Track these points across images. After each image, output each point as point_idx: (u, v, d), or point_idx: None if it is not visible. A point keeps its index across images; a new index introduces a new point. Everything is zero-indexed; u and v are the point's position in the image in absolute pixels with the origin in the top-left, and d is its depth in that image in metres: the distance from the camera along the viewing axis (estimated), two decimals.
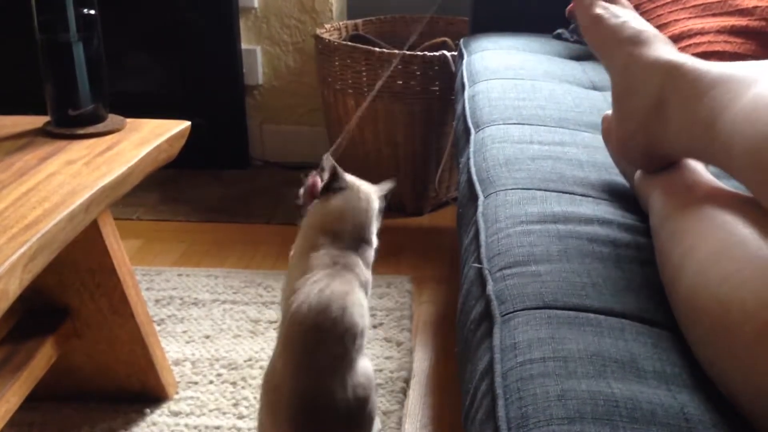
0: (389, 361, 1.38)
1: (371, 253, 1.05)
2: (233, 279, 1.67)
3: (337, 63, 1.95)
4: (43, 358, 1.07)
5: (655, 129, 0.72)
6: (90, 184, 0.93)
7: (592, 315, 0.59)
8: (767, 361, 0.46)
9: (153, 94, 2.31)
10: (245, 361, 1.37)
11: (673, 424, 0.47)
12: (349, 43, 1.95)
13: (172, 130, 1.13)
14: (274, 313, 1.52)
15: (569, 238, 0.71)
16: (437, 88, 1.90)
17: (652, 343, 0.56)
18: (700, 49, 1.24)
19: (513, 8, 1.77)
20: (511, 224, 0.76)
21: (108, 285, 1.14)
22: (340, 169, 1.05)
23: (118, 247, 1.15)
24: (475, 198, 0.88)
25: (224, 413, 1.24)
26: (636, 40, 0.76)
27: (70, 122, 1.11)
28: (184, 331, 1.47)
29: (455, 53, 1.83)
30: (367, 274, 1.03)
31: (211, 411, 1.24)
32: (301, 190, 1.08)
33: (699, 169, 0.72)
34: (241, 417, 1.23)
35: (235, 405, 1.26)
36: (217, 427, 1.21)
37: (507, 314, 0.61)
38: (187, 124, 1.16)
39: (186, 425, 1.21)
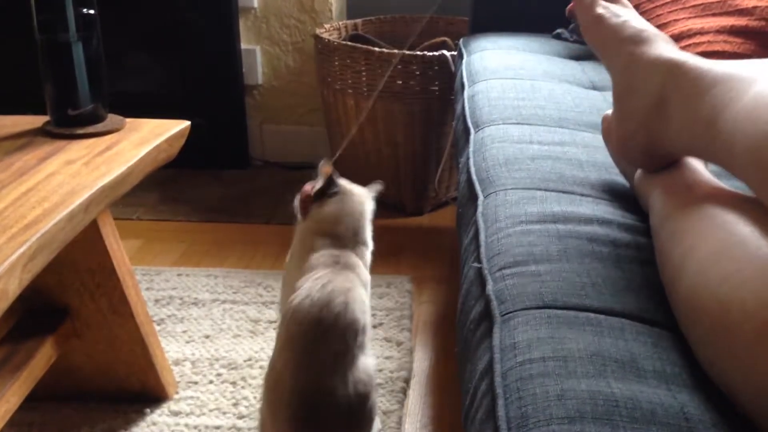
0: (389, 361, 1.38)
1: (368, 255, 1.08)
2: (233, 279, 1.67)
3: (336, 63, 1.95)
4: (43, 358, 1.07)
5: (656, 127, 0.72)
6: (89, 184, 0.93)
7: (591, 315, 0.59)
8: (767, 360, 0.46)
9: (152, 94, 2.31)
10: (245, 361, 1.37)
11: (673, 424, 0.47)
12: (349, 43, 1.95)
13: (171, 130, 1.13)
14: (274, 313, 1.52)
15: (569, 237, 0.71)
16: (437, 88, 1.90)
17: (652, 343, 0.56)
18: (699, 49, 1.24)
19: (513, 8, 1.77)
20: (510, 224, 0.76)
21: (108, 285, 1.14)
22: (335, 175, 1.07)
23: (118, 247, 1.15)
24: (475, 198, 0.88)
25: (224, 413, 1.24)
26: (637, 39, 0.76)
27: (69, 122, 1.11)
28: (184, 331, 1.47)
29: (455, 53, 1.83)
30: (366, 274, 1.04)
31: (211, 411, 1.24)
32: (296, 201, 1.10)
33: (699, 168, 0.72)
34: (241, 417, 1.23)
35: (235, 405, 1.26)
36: (217, 427, 1.21)
37: (507, 314, 0.61)
38: (186, 123, 1.16)
39: (186, 425, 1.21)
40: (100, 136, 1.09)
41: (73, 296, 1.15)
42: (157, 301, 1.57)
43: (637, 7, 1.41)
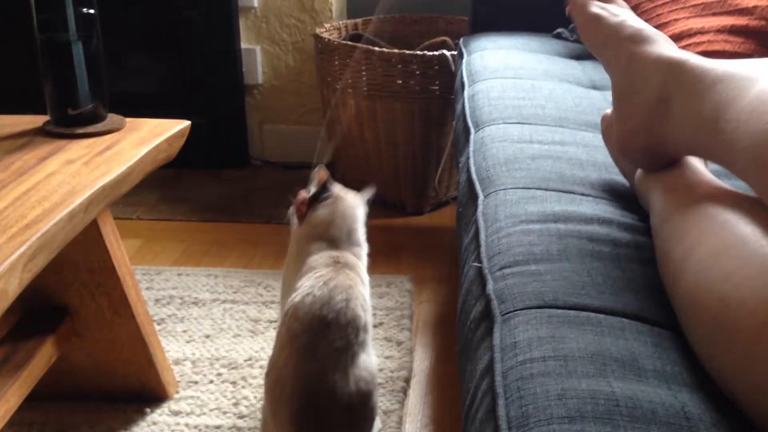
0: (389, 361, 1.38)
1: (365, 255, 1.09)
2: (233, 278, 1.67)
3: (336, 62, 1.95)
4: (43, 357, 1.07)
5: (657, 126, 0.72)
6: (89, 184, 0.92)
7: (592, 314, 0.59)
8: (767, 358, 0.46)
9: (153, 94, 2.31)
10: (245, 361, 1.37)
11: (674, 423, 0.47)
12: (349, 43, 1.95)
13: (171, 130, 1.13)
14: (274, 313, 1.52)
15: (569, 237, 0.71)
16: (437, 88, 1.90)
17: (653, 342, 0.56)
18: (699, 49, 1.24)
19: (513, 8, 1.77)
20: (511, 223, 0.76)
21: (108, 285, 1.14)
22: (329, 182, 1.09)
23: (118, 246, 1.15)
24: (475, 197, 0.88)
25: (224, 413, 1.24)
26: (637, 39, 0.76)
27: (69, 122, 1.11)
28: (184, 331, 1.47)
29: (455, 53, 1.83)
30: (366, 274, 1.05)
31: (211, 410, 1.24)
32: (291, 208, 1.11)
33: (699, 168, 0.72)
34: (241, 416, 1.23)
35: (236, 404, 1.26)
36: (218, 427, 1.21)
37: (507, 313, 0.61)
38: (186, 123, 1.16)
39: (186, 425, 1.21)
40: (100, 136, 1.09)
41: (73, 296, 1.15)
42: (157, 300, 1.57)
43: (636, 6, 1.41)
